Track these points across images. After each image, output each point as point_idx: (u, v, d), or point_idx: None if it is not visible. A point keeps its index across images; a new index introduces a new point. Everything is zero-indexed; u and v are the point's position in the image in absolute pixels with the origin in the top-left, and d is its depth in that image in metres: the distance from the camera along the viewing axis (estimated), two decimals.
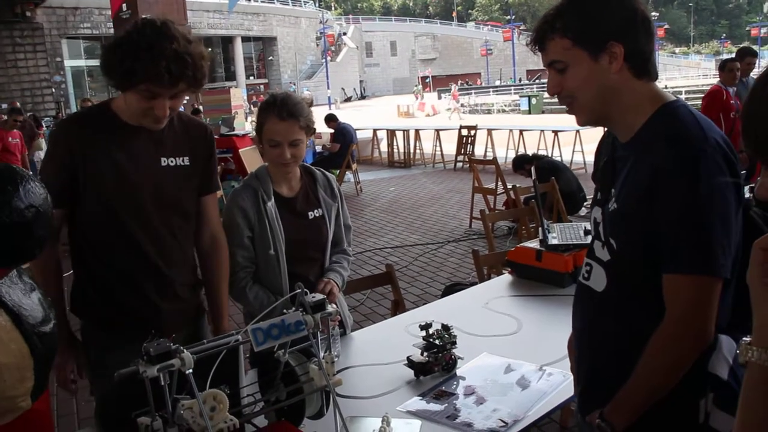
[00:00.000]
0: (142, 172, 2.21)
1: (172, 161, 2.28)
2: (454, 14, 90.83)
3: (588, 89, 1.58)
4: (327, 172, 2.85)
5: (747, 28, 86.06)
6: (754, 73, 8.01)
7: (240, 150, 10.61)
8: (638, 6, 1.57)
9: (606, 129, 1.77)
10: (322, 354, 1.72)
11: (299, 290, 1.70)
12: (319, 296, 1.71)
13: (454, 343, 2.36)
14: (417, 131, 15.91)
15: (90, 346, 2.30)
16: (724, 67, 7.62)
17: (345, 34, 66.55)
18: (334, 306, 1.76)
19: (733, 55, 7.90)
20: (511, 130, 14.93)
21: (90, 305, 2.30)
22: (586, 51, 1.55)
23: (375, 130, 17.46)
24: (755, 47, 11.69)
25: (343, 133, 12.12)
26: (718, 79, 7.74)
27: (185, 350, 1.46)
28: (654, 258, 1.52)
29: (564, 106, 1.68)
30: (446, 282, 6.08)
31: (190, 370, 1.46)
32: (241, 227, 2.56)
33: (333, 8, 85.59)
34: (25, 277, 1.41)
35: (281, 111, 2.50)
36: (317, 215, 2.69)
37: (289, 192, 2.67)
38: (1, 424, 1.34)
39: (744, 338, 0.94)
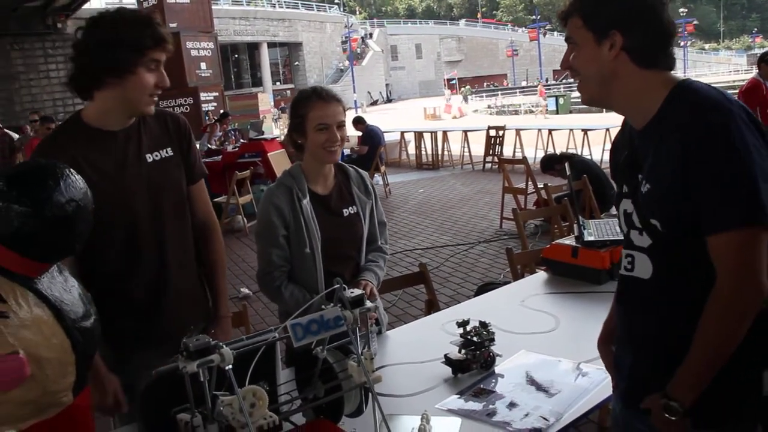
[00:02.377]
0: (127, 171, 2.20)
1: (156, 155, 2.28)
2: (479, 15, 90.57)
3: (589, 70, 1.67)
4: (360, 169, 2.83)
5: None
6: None
7: (269, 154, 10.66)
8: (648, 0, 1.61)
9: (620, 128, 1.84)
10: (361, 350, 1.70)
11: (338, 285, 1.69)
12: (357, 291, 1.69)
13: (493, 340, 2.33)
14: (444, 132, 15.87)
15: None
16: (765, 59, 7.38)
17: (371, 36, 66.70)
18: (373, 302, 1.74)
19: (763, 52, 7.69)
20: (539, 130, 14.83)
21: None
22: (592, 34, 1.62)
23: (402, 133, 17.45)
24: None
25: (371, 135, 12.13)
26: (757, 72, 7.51)
27: (224, 346, 1.45)
28: (699, 228, 1.51)
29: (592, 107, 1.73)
30: (478, 282, 6.03)
31: (230, 366, 1.45)
32: (276, 226, 2.55)
33: (357, 12, 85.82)
34: (65, 273, 1.41)
35: (325, 94, 2.56)
36: (352, 212, 2.68)
37: (324, 190, 2.66)
38: (44, 419, 1.34)
39: None
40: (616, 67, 1.62)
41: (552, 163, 8.07)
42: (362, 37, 64.14)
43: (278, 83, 54.61)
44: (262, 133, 11.98)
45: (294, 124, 2.61)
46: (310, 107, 2.55)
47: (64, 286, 1.38)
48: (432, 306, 3.37)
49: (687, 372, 1.55)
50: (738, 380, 1.56)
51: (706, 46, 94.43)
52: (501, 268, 6.75)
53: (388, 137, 14.26)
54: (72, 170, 1.35)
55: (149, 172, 2.24)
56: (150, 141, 2.27)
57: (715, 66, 69.61)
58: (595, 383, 2.17)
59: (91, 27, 2.10)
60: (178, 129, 2.38)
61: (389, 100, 63.59)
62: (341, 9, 71.30)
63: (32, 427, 1.33)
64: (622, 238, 1.80)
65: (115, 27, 2.08)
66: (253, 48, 52.86)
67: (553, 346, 2.49)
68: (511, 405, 2.07)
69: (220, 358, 1.44)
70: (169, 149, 2.31)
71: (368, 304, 1.70)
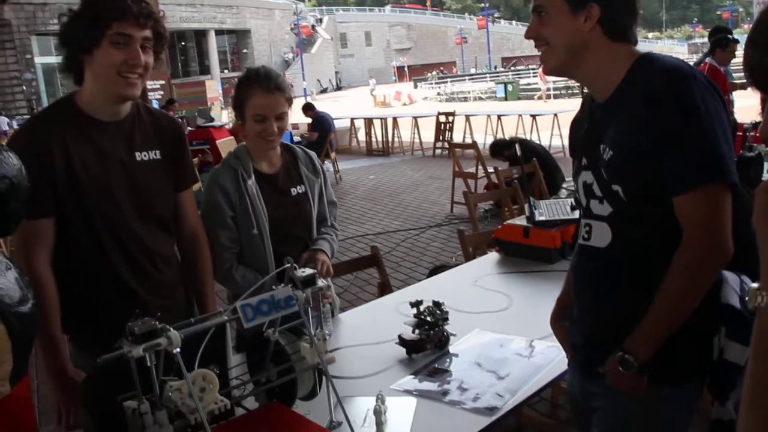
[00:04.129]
0: (114, 170, 2.08)
1: (145, 155, 2.16)
2: (428, 3, 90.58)
3: (560, 39, 1.66)
4: (308, 150, 2.79)
5: (718, 12, 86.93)
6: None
7: (217, 141, 10.50)
8: None
9: (579, 107, 1.87)
10: (314, 331, 1.67)
11: (288, 265, 1.64)
12: (309, 271, 1.65)
13: (446, 319, 2.32)
14: (395, 119, 15.84)
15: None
16: (724, 45, 7.25)
17: (320, 22, 66.17)
18: (325, 281, 1.71)
19: (715, 38, 7.63)
20: (489, 116, 14.91)
21: (74, 322, 2.13)
22: (568, 4, 1.63)
23: (352, 119, 17.37)
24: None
25: (321, 122, 12.04)
26: (710, 58, 7.40)
27: (171, 329, 1.40)
28: (661, 191, 1.54)
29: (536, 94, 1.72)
30: (430, 266, 6.03)
31: (178, 350, 1.39)
32: (222, 207, 2.49)
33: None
34: (0, 256, 1.34)
35: (268, 84, 2.46)
36: (300, 192, 2.63)
37: (270, 169, 2.61)
38: None
39: (752, 284, 0.91)
40: (589, 39, 1.63)
41: (501, 148, 8.12)
42: (312, 25, 63.59)
43: (226, 71, 53.76)
44: (211, 120, 11.79)
45: (235, 104, 2.55)
46: (250, 93, 2.48)
47: None
48: (385, 289, 3.35)
49: (646, 326, 1.58)
50: (691, 344, 1.60)
51: (650, 35, 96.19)
52: (452, 251, 6.77)
53: (338, 124, 14.17)
54: (4, 146, 1.27)
55: (135, 170, 2.13)
56: (141, 140, 2.16)
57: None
58: (548, 360, 2.18)
59: (68, 9, 2.01)
60: (171, 132, 2.27)
61: (339, 88, 63.27)
62: None
63: None
64: (573, 218, 1.82)
65: (84, 2, 1.99)
66: (201, 35, 51.96)
67: (507, 324, 2.49)
68: (466, 384, 2.06)
69: (167, 341, 1.38)
70: (158, 152, 2.20)
71: (320, 283, 1.66)
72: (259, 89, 2.45)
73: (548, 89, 29.87)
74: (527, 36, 1.74)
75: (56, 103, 2.20)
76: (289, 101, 2.54)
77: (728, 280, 1.60)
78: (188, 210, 2.36)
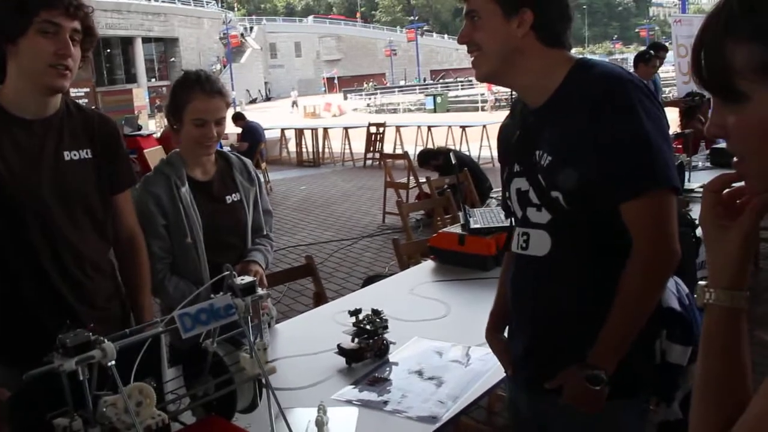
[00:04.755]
0: (40, 170, 1.97)
1: (75, 154, 2.05)
2: (358, 15, 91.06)
3: (492, 44, 1.64)
4: (243, 157, 2.74)
5: (636, 30, 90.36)
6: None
7: (145, 150, 10.27)
8: None
9: (508, 113, 1.88)
10: (254, 341, 1.62)
11: (227, 272, 1.60)
12: (248, 278, 1.61)
13: (386, 327, 2.30)
14: (325, 130, 15.84)
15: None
16: (647, 59, 7.36)
17: (250, 32, 65.66)
18: (264, 290, 1.67)
19: (638, 52, 7.90)
20: (419, 127, 15.04)
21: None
22: (501, 9, 1.61)
23: (283, 130, 17.25)
24: (643, 47, 12.13)
25: (251, 132, 11.92)
26: (632, 71, 7.73)
27: (106, 340, 1.34)
28: (606, 197, 1.53)
29: (466, 105, 1.72)
30: (363, 276, 6.02)
31: (113, 362, 1.33)
32: (155, 215, 2.42)
33: (236, 9, 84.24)
34: None
35: (209, 87, 2.41)
36: (235, 200, 2.58)
37: (204, 176, 2.55)
38: None
39: (700, 281, 0.93)
40: (522, 45, 1.62)
41: (428, 158, 8.19)
42: (241, 34, 63.03)
43: (153, 79, 52.81)
44: (139, 128, 11.52)
45: (171, 108, 2.47)
46: (190, 97, 2.41)
47: None
48: (320, 298, 3.31)
49: (609, 338, 1.56)
50: (638, 352, 1.60)
51: (573, 50, 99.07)
52: (385, 261, 6.78)
53: (268, 134, 14.05)
54: None
55: (64, 170, 2.01)
56: (70, 138, 2.04)
57: None
58: (486, 367, 2.18)
59: None
60: (104, 131, 2.15)
61: (268, 99, 62.84)
62: (219, 5, 69.70)
63: None
64: (508, 225, 1.83)
65: None
66: (127, 43, 50.91)
67: (445, 332, 2.49)
68: (407, 392, 2.04)
69: (101, 353, 1.32)
70: (89, 150, 2.08)
71: (260, 291, 1.62)
72: (200, 93, 2.40)
73: (495, 100, 30.39)
74: (460, 41, 1.72)
75: None
76: (228, 106, 2.49)
77: (666, 285, 1.62)
78: (125, 214, 2.24)
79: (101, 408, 1.37)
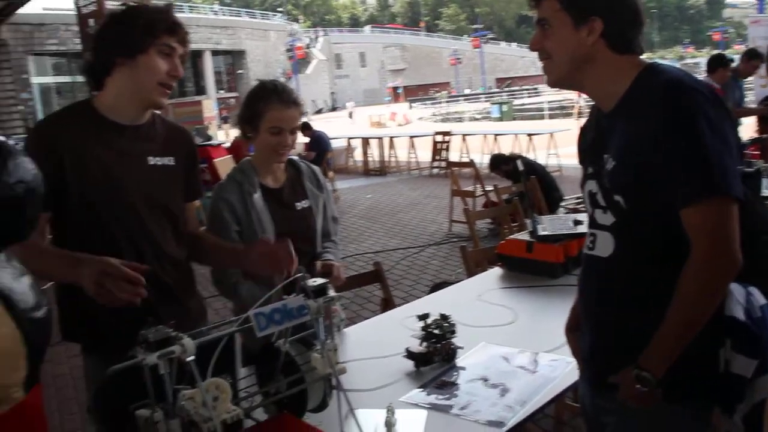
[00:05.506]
0: (130, 171, 2.12)
1: (159, 161, 2.19)
2: (422, 24, 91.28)
3: (563, 52, 1.67)
4: (312, 165, 2.80)
5: (708, 33, 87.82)
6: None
7: (215, 160, 10.51)
8: None
9: (588, 116, 1.88)
10: (325, 341, 1.66)
11: (300, 274, 1.65)
12: (320, 281, 1.65)
13: (454, 331, 2.31)
14: (391, 139, 15.91)
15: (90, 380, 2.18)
16: (726, 64, 7.05)
17: (315, 43, 66.60)
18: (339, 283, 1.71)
19: (713, 55, 7.57)
20: (485, 135, 14.98)
21: (83, 330, 2.14)
22: (571, 17, 1.64)
23: (349, 139, 17.42)
24: (717, 51, 11.73)
25: (318, 141, 12.07)
26: (706, 76, 7.12)
27: (186, 336, 1.40)
28: (665, 203, 1.54)
29: (533, 113, 1.73)
30: (430, 284, 6.03)
31: (192, 358, 1.39)
32: (228, 221, 2.50)
33: (301, 21, 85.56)
34: (14, 261, 1.33)
35: (286, 97, 2.50)
36: (305, 206, 2.64)
37: (275, 183, 2.62)
38: None
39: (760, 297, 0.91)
40: (592, 52, 1.64)
41: (500, 163, 8.14)
42: (307, 45, 63.97)
43: (222, 91, 53.97)
44: (209, 138, 11.80)
45: (247, 116, 2.55)
46: (267, 107, 2.50)
47: (12, 274, 1.30)
48: (388, 304, 3.34)
49: (661, 341, 1.56)
50: (695, 360, 1.59)
51: (642, 56, 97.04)
52: (452, 269, 6.77)
53: (334, 144, 14.21)
54: (21, 150, 1.28)
55: (150, 174, 2.16)
56: (156, 145, 2.20)
57: None
58: (554, 373, 2.17)
59: (109, 16, 2.12)
60: (185, 143, 2.32)
61: (334, 109, 63.51)
62: (284, 17, 70.93)
63: None
64: (577, 232, 1.82)
65: (132, 10, 2.09)
66: (196, 56, 52.10)
67: (512, 338, 2.49)
68: (474, 396, 2.05)
69: (181, 349, 1.38)
70: (172, 159, 2.23)
71: (331, 293, 1.66)
72: (277, 102, 2.49)
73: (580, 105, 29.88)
74: (531, 48, 1.75)
75: (72, 105, 2.24)
76: (301, 115, 2.58)
77: (733, 293, 1.59)
78: (191, 219, 2.38)
79: (180, 401, 1.43)
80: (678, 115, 1.51)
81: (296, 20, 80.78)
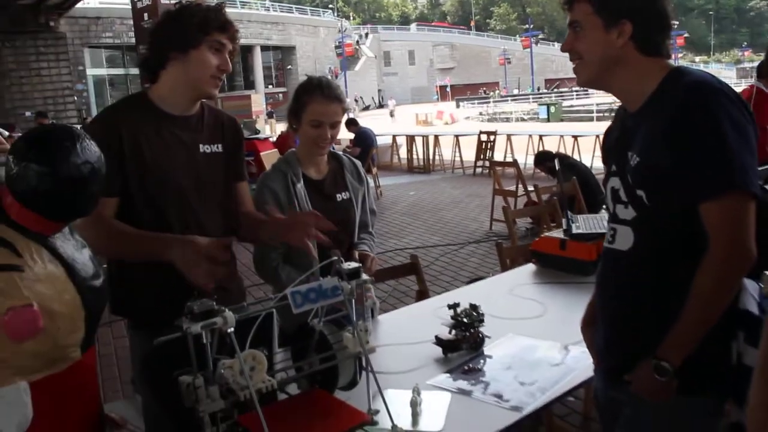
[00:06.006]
0: (182, 159, 2.26)
1: (208, 148, 2.34)
2: (472, 23, 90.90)
3: (594, 53, 1.75)
4: (353, 158, 2.91)
5: None
6: None
7: (261, 153, 10.73)
8: None
9: (613, 119, 1.96)
10: (357, 322, 1.76)
11: (335, 258, 1.75)
12: (354, 264, 1.76)
13: (482, 321, 2.40)
14: (436, 137, 15.97)
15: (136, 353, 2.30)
16: None
17: (365, 41, 66.85)
18: (372, 273, 1.81)
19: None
20: (530, 136, 14.94)
21: (132, 305, 2.29)
22: (602, 20, 1.72)
23: (394, 136, 17.52)
24: None
25: (363, 138, 12.19)
26: (758, 81, 5.96)
27: (227, 309, 1.52)
28: (685, 197, 1.61)
29: (581, 115, 1.80)
30: (467, 280, 6.10)
31: (232, 329, 1.51)
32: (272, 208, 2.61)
33: (351, 18, 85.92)
34: (76, 235, 1.47)
35: (329, 92, 2.62)
36: (345, 198, 2.75)
37: (318, 174, 2.74)
38: (53, 373, 1.40)
39: (766, 271, 0.98)
40: (622, 54, 1.72)
41: (545, 159, 8.21)
42: (356, 42, 64.28)
43: (270, 86, 54.61)
44: (257, 132, 12.03)
45: (293, 108, 2.68)
46: (310, 100, 2.62)
47: (75, 246, 1.44)
48: (423, 296, 3.43)
49: (679, 332, 1.63)
50: (708, 352, 1.65)
51: (697, 58, 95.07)
52: (490, 267, 6.82)
53: (380, 140, 14.32)
54: (87, 135, 1.42)
55: (200, 161, 2.31)
56: (206, 134, 2.35)
57: None
58: (580, 364, 2.24)
59: (165, 13, 2.27)
60: (232, 129, 2.47)
61: (381, 106, 63.69)
62: (335, 14, 71.36)
63: (42, 381, 1.39)
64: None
65: (186, 8, 2.23)
66: (246, 51, 52.84)
67: (540, 330, 2.57)
68: (499, 383, 2.14)
69: (222, 320, 1.50)
70: (220, 146, 2.38)
71: (364, 276, 1.76)
72: (320, 96, 2.61)
73: None
74: (563, 49, 1.83)
75: (129, 97, 2.42)
76: (344, 112, 2.69)
77: (747, 287, 1.65)
78: (245, 198, 2.53)
79: (220, 369, 1.54)
80: (702, 114, 1.58)
81: (346, 17, 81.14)
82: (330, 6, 73.20)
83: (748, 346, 1.63)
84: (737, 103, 1.62)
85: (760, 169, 1.66)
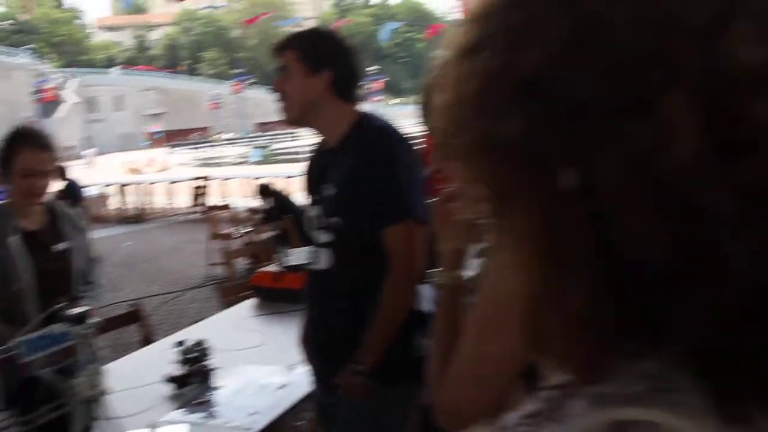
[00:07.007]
0: None
1: None
2: (182, 68, 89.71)
3: (297, 96, 2.04)
4: (69, 207, 2.91)
5: None
6: None
7: None
8: (351, 50, 2.10)
9: (313, 154, 2.26)
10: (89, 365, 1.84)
11: (61, 305, 1.82)
12: (80, 309, 1.84)
13: (206, 354, 2.57)
14: (149, 185, 15.59)
15: None
16: None
17: (67, 84, 62.71)
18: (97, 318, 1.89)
19: None
20: (246, 179, 15.21)
21: None
22: (306, 67, 2.02)
23: (104, 186, 16.75)
24: None
25: (71, 189, 11.54)
26: None
27: None
28: (370, 224, 1.96)
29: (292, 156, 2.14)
30: (191, 323, 6.12)
31: None
32: None
33: (53, 60, 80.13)
34: None
35: (40, 141, 2.59)
36: (63, 248, 2.74)
37: (33, 225, 2.69)
38: None
39: (437, 269, 1.29)
40: (321, 97, 2.02)
41: (266, 192, 8.45)
42: (58, 86, 60.02)
43: None
44: None
45: (2, 159, 2.61)
46: (20, 149, 2.56)
47: None
48: (148, 341, 3.47)
49: (370, 340, 1.96)
50: (398, 352, 1.99)
51: (397, 100, 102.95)
52: (214, 310, 6.89)
53: (88, 192, 13.61)
54: None
55: None
56: None
57: (401, 118, 75.84)
58: (303, 380, 2.44)
59: None
60: None
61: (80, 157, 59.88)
62: (33, 55, 65.96)
63: None
64: None
65: None
66: None
67: (265, 357, 2.80)
68: (230, 408, 2.33)
69: None
70: None
71: (93, 320, 1.85)
72: (30, 145, 2.56)
73: None
74: (273, 89, 2.11)
75: None
76: (56, 160, 2.68)
77: (422, 293, 2.02)
78: None
79: None
80: (383, 157, 1.96)
81: (47, 59, 75.50)
82: (28, 47, 67.50)
83: (426, 339, 2.01)
84: (409, 147, 2.03)
85: None
